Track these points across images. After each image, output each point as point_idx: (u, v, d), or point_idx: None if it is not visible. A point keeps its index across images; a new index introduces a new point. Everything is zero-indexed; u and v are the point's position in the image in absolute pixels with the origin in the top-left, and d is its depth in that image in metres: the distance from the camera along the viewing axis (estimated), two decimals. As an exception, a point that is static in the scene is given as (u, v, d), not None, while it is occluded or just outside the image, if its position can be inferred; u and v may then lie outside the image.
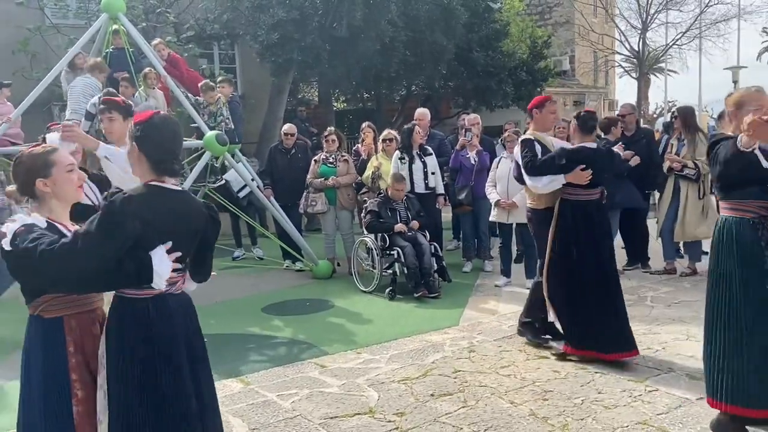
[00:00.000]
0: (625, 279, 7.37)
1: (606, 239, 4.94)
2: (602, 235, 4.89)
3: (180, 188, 2.64)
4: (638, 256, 7.92)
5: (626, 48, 32.78)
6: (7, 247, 2.41)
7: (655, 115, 29.95)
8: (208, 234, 2.72)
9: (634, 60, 33.12)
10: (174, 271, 2.53)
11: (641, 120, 19.16)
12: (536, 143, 5.04)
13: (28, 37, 10.81)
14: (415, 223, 7.25)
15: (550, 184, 4.86)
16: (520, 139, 5.29)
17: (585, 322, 4.74)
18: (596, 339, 4.69)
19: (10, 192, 2.75)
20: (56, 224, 2.55)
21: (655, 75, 37.06)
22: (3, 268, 2.49)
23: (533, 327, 5.20)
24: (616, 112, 9.42)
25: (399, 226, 7.12)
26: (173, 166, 2.57)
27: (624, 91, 69.57)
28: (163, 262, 2.44)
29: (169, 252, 2.48)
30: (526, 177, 4.99)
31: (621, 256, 8.01)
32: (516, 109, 17.78)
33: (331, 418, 3.95)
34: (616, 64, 35.99)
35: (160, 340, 2.50)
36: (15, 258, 2.39)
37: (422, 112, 8.68)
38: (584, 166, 4.74)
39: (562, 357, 4.85)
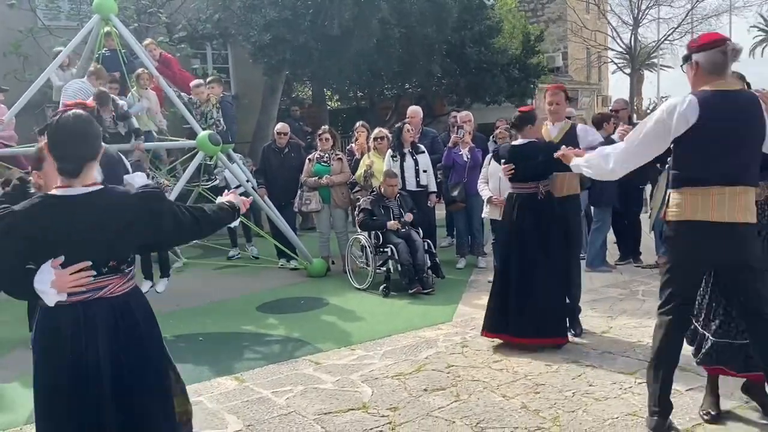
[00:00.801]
0: (617, 273, 7.47)
1: (539, 230, 5.05)
2: (536, 225, 5.04)
3: (87, 190, 2.44)
4: (630, 250, 7.97)
5: (618, 44, 32.94)
6: None
7: (648, 111, 30.04)
8: (139, 227, 2.49)
9: (627, 56, 33.25)
10: (110, 274, 2.46)
11: (634, 115, 19.22)
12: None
13: (20, 39, 10.77)
14: (408, 215, 7.30)
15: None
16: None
17: (500, 307, 5.05)
18: (509, 323, 4.98)
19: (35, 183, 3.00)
20: None
21: (649, 70, 37.20)
22: None
23: None
24: (609, 108, 9.46)
25: (392, 224, 7.16)
26: (67, 166, 2.41)
27: (617, 86, 69.99)
28: (43, 281, 2.36)
29: (65, 265, 2.38)
30: None
31: (613, 250, 8.10)
32: (509, 105, 17.80)
33: (326, 413, 3.99)
34: (609, 60, 36.11)
35: (67, 356, 2.39)
36: None
37: (414, 110, 8.73)
38: (504, 160, 5.22)
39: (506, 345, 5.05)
